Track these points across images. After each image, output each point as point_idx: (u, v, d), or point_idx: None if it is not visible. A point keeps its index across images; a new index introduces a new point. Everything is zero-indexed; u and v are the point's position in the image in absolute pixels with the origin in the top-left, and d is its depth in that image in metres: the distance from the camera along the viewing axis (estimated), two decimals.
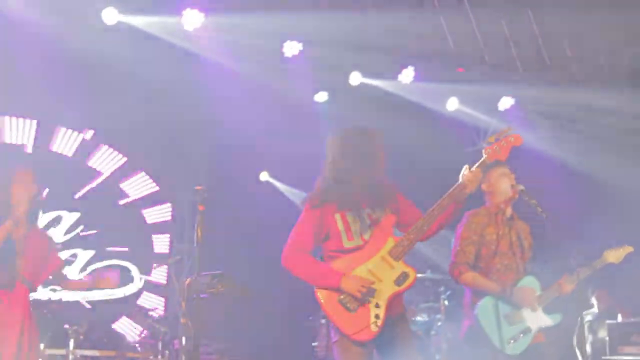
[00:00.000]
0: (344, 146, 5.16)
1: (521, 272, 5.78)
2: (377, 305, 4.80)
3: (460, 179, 5.06)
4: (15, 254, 5.75)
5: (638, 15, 9.27)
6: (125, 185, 10.98)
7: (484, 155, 5.22)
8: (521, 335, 5.61)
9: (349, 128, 5.30)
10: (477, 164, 5.11)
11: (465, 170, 5.10)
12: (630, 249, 5.94)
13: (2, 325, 5.68)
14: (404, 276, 4.88)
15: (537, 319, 5.68)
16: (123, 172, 10.99)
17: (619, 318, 8.98)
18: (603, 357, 8.65)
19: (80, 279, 6.30)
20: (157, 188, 11.41)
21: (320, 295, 4.91)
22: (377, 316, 4.76)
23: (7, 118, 10.41)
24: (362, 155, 5.14)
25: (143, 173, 11.17)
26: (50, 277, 6.15)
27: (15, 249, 5.75)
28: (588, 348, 9.11)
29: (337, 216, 4.98)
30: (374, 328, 4.74)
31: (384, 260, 4.92)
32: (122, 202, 10.99)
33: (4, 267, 5.73)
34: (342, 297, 4.82)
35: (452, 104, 10.88)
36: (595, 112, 10.57)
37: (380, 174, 5.19)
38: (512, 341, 5.57)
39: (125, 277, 10.85)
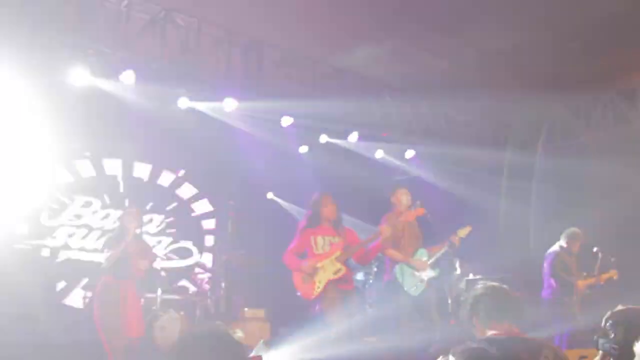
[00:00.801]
0: (311, 204, 6.40)
1: (417, 248, 6.60)
2: (319, 281, 5.99)
3: (378, 230, 6.12)
4: (130, 260, 6.45)
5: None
6: (194, 205, 11.29)
7: (400, 218, 6.28)
8: (419, 282, 6.41)
9: (316, 194, 6.46)
10: (390, 224, 6.21)
11: (382, 226, 6.16)
12: (469, 227, 6.57)
13: (124, 306, 6.33)
14: (338, 270, 6.01)
15: (427, 273, 6.48)
16: (194, 198, 11.23)
17: (472, 276, 9.82)
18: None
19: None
20: (213, 208, 11.33)
21: (294, 275, 6.22)
22: (318, 288, 5.99)
23: (135, 162, 10.66)
24: (315, 209, 6.34)
25: (206, 199, 11.29)
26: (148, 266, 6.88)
27: (130, 256, 6.44)
28: (453, 294, 9.62)
29: (312, 238, 6.20)
30: (314, 294, 6.01)
31: (331, 261, 6.04)
32: (192, 215, 11.27)
33: (125, 267, 6.42)
34: (303, 276, 6.10)
35: (379, 154, 11.06)
36: (465, 160, 10.93)
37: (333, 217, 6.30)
38: (414, 287, 6.39)
39: (187, 253, 10.93)
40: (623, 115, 9.80)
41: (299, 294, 6.24)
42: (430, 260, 6.52)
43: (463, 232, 6.52)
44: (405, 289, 6.40)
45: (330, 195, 6.44)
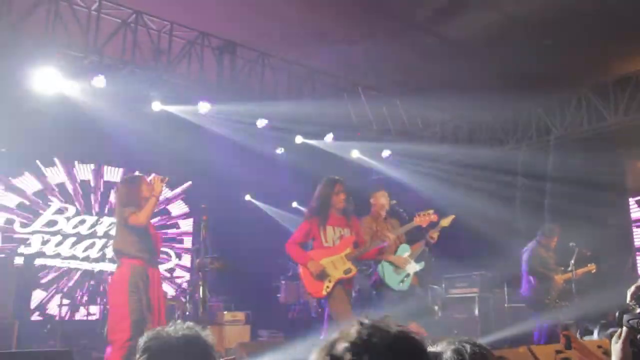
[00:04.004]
0: (322, 189, 5.92)
1: (398, 245, 6.36)
2: (329, 281, 5.60)
3: (385, 237, 5.95)
4: (155, 240, 5.49)
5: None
6: (170, 207, 11.37)
7: (413, 222, 6.13)
8: (405, 278, 6.28)
9: (326, 178, 5.97)
10: (403, 228, 6.11)
11: (390, 234, 5.99)
12: (453, 216, 6.36)
13: (154, 298, 5.24)
14: (349, 270, 5.69)
15: (412, 267, 6.32)
16: (169, 200, 11.23)
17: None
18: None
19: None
20: (188, 209, 11.51)
21: (301, 268, 5.78)
22: (327, 287, 5.59)
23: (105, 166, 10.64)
24: (326, 197, 5.86)
25: (180, 200, 11.42)
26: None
27: (154, 236, 5.48)
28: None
29: (321, 228, 5.76)
30: (323, 293, 5.60)
31: (342, 258, 5.68)
32: (169, 217, 11.32)
33: (151, 249, 5.37)
34: (312, 272, 5.63)
35: (355, 154, 11.09)
36: (436, 160, 11.10)
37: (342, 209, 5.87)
38: (400, 283, 6.25)
39: (165, 257, 10.86)
40: (597, 112, 9.84)
41: (306, 291, 5.89)
42: (413, 254, 6.41)
43: (446, 221, 6.35)
44: (391, 285, 6.27)
45: (343, 182, 6.04)
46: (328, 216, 5.83)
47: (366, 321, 1.34)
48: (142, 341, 2.17)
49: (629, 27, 8.07)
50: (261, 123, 9.72)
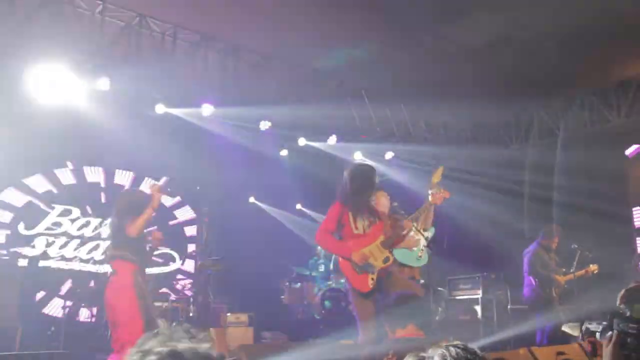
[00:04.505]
0: (355, 175, 5.48)
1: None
2: (373, 273, 5.20)
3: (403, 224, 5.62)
4: (147, 244, 5.41)
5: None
6: (176, 212, 11.31)
7: (428, 201, 5.78)
8: (421, 250, 6.24)
9: (354, 166, 5.72)
10: (418, 211, 5.83)
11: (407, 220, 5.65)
12: (441, 168, 5.98)
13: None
14: (387, 259, 5.29)
15: (423, 240, 6.19)
16: (176, 205, 11.24)
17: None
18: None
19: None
20: (195, 215, 11.38)
21: (341, 260, 5.37)
22: (372, 279, 5.17)
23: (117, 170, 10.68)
24: (362, 182, 5.41)
25: (188, 206, 11.35)
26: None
27: (147, 239, 5.39)
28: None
29: (351, 215, 5.32)
30: (370, 285, 5.17)
31: (377, 247, 5.26)
32: (175, 222, 11.26)
33: (145, 254, 5.30)
34: (353, 264, 5.20)
35: (358, 155, 10.93)
36: (440, 162, 10.57)
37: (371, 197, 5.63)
38: (418, 258, 6.23)
39: (169, 260, 10.86)
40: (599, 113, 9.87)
41: (352, 287, 5.68)
42: (422, 224, 6.15)
43: (436, 175, 5.97)
44: (410, 264, 6.24)
45: (374, 169, 5.79)
46: (361, 203, 5.49)
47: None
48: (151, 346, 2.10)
49: (632, 33, 8.06)
50: (264, 125, 9.70)
